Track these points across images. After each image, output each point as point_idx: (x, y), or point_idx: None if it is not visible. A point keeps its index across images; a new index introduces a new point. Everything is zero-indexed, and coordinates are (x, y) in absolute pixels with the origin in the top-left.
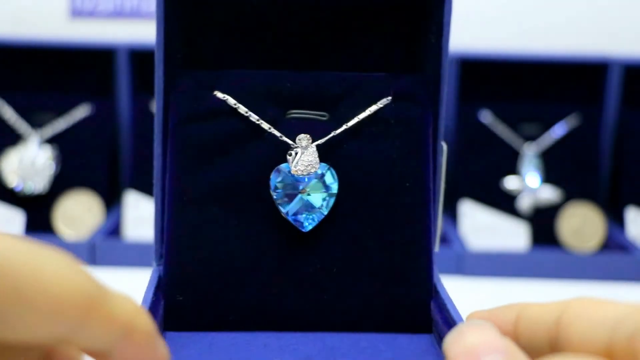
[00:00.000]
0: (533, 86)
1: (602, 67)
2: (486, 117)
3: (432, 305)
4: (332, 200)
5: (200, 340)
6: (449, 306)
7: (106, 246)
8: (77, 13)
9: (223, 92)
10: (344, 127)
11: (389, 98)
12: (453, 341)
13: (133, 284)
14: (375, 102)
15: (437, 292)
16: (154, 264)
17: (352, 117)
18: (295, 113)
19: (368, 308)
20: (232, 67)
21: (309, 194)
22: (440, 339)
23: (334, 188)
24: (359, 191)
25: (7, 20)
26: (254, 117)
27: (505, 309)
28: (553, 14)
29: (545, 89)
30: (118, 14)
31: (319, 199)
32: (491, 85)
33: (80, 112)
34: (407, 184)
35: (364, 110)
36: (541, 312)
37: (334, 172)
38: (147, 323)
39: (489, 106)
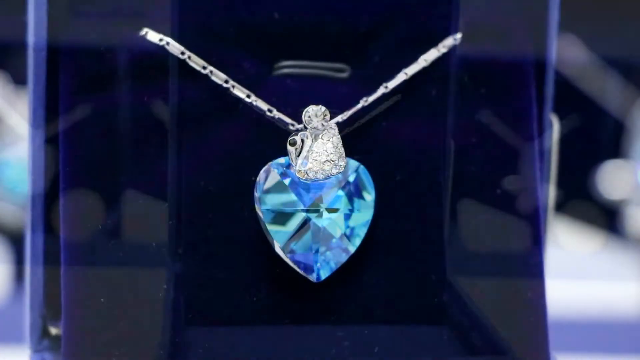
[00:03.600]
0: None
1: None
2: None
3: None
4: (364, 229)
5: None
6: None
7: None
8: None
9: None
10: (380, 92)
11: (456, 37)
12: None
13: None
14: (425, 48)
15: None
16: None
17: (391, 75)
18: (290, 67)
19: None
20: None
21: (322, 215)
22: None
23: (369, 203)
24: (392, 189)
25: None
26: (218, 79)
27: None
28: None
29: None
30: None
31: (341, 224)
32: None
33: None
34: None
35: (413, 59)
36: None
37: (367, 173)
38: None
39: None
